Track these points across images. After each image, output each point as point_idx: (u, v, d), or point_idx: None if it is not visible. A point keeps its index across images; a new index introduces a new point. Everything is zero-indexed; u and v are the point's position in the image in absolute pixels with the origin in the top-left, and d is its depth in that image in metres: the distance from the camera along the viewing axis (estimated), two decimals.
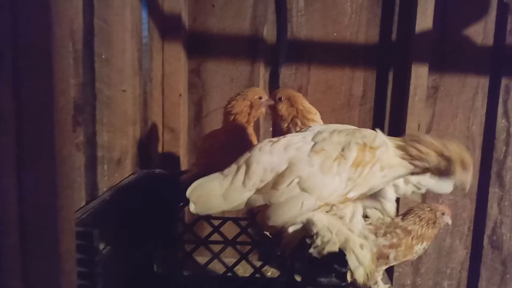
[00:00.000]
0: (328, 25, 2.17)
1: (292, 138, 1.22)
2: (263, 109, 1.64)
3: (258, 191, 1.17)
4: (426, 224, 1.64)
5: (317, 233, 1.12)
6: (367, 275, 1.09)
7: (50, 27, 0.79)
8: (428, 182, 1.40)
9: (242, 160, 1.20)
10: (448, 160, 1.16)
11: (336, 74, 2.20)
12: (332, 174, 1.14)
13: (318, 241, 1.11)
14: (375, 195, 1.27)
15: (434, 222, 1.65)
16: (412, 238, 1.62)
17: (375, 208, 1.31)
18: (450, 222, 1.70)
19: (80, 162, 1.28)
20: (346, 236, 1.10)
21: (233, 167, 1.20)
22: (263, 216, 1.18)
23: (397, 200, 1.40)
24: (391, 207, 1.33)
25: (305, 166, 1.15)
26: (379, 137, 1.20)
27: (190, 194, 1.18)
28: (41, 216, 0.84)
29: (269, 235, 1.40)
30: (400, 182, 1.37)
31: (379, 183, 1.20)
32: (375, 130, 1.24)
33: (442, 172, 1.18)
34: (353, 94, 2.22)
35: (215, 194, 1.17)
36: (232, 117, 1.62)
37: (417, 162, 1.17)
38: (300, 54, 2.20)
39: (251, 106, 1.61)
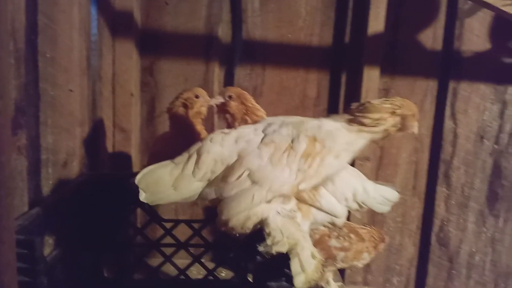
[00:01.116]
0: (282, 26, 2.18)
1: (243, 131, 1.25)
2: (202, 108, 1.63)
3: (209, 183, 1.17)
4: (374, 246, 1.70)
5: (269, 233, 1.14)
6: (309, 282, 1.10)
7: None
8: (371, 203, 1.43)
9: (193, 149, 1.21)
10: (402, 116, 1.22)
11: (290, 75, 2.21)
12: (281, 165, 1.17)
13: (269, 241, 1.13)
14: (326, 212, 1.30)
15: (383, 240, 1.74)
16: (364, 245, 1.66)
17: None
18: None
19: (22, 166, 1.23)
20: (297, 241, 1.11)
21: (184, 155, 1.20)
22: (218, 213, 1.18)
23: None
24: (341, 221, 1.36)
25: (254, 159, 1.17)
26: (323, 128, 1.22)
27: (139, 181, 1.16)
28: None
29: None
30: (349, 197, 1.39)
31: (336, 170, 1.24)
32: (320, 120, 1.26)
33: (401, 128, 1.24)
34: (307, 96, 2.23)
35: (165, 182, 1.16)
36: (172, 118, 1.62)
37: (374, 129, 1.22)
38: (255, 55, 2.19)
39: (186, 105, 1.60)
